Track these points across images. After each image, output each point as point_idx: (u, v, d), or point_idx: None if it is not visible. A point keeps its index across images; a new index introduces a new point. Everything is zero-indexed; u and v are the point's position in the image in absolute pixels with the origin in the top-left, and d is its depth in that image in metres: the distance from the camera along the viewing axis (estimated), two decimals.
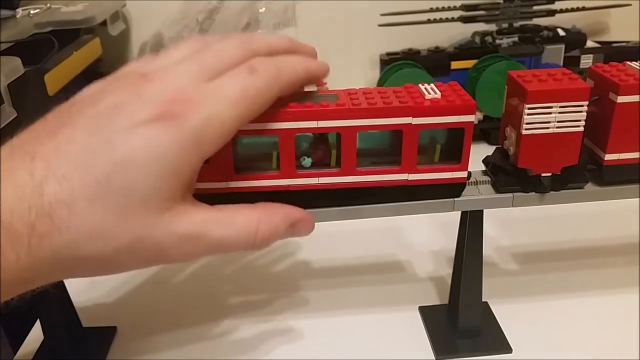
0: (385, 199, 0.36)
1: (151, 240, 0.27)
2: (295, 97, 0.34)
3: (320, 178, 0.35)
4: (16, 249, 0.24)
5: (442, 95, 0.34)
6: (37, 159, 0.25)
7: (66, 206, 0.24)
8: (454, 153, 0.35)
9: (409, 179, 0.35)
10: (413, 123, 0.33)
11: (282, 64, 0.32)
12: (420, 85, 0.35)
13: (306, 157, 0.35)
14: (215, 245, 0.29)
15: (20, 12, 0.70)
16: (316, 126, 0.33)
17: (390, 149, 0.36)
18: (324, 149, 0.35)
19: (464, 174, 0.36)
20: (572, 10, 0.79)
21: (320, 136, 0.36)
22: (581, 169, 0.37)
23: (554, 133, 0.35)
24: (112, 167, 0.25)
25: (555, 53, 0.72)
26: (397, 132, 0.34)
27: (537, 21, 0.76)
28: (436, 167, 0.35)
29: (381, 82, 0.68)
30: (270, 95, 0.30)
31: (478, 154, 0.40)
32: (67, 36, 0.68)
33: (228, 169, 0.34)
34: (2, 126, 0.49)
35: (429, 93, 0.34)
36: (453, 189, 0.36)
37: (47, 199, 0.24)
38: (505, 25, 0.75)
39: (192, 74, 0.29)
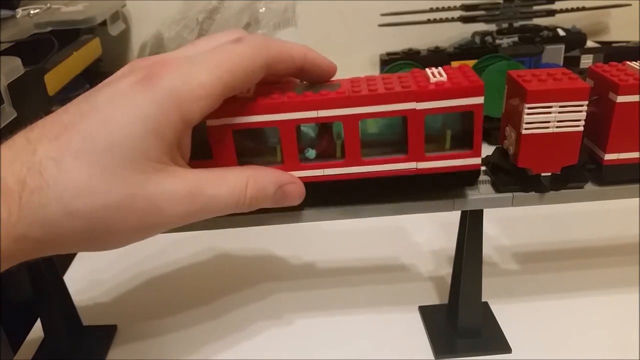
0: (394, 190, 0.35)
1: (143, 198, 0.27)
2: (296, 88, 0.33)
3: (324, 170, 0.34)
4: (8, 205, 0.25)
5: (448, 77, 0.33)
6: (34, 128, 0.27)
7: (55, 163, 0.25)
8: (467, 139, 0.34)
9: (418, 167, 0.34)
10: (417, 108, 0.32)
11: (274, 39, 0.32)
12: (427, 69, 0.34)
13: (310, 149, 0.34)
14: (207, 204, 0.29)
15: (20, 12, 0.70)
16: (316, 116, 0.33)
17: (401, 138, 0.35)
18: (327, 140, 0.34)
19: (478, 161, 0.34)
20: (572, 10, 0.79)
21: (324, 126, 0.35)
22: (581, 168, 0.37)
23: (553, 133, 0.35)
24: (97, 126, 0.26)
25: (555, 53, 0.72)
26: (404, 120, 0.33)
27: (537, 21, 0.76)
28: (446, 154, 0.34)
29: None
30: (256, 63, 0.30)
31: None
32: (67, 36, 0.68)
33: (231, 163, 0.34)
34: (2, 126, 0.49)
35: (435, 76, 0.33)
36: (467, 177, 0.35)
37: (39, 157, 0.25)
38: (505, 25, 0.75)
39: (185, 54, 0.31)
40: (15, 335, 0.46)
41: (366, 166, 0.34)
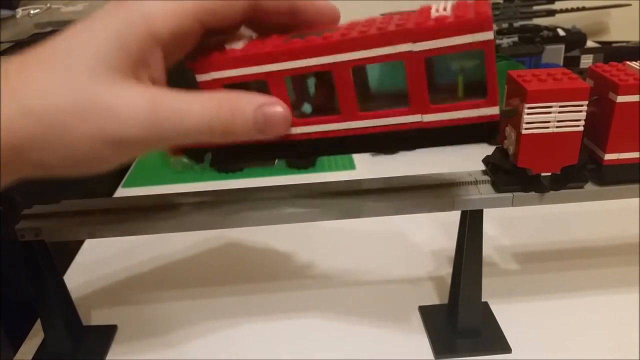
0: (399, 146, 0.32)
1: (99, 103, 0.26)
2: (288, 37, 0.30)
3: (320, 125, 0.31)
4: None
5: (453, 12, 0.28)
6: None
7: (20, 68, 0.27)
8: (480, 85, 0.29)
9: (424, 120, 0.30)
10: (414, 50, 0.28)
11: None
12: (433, 4, 0.30)
13: (306, 103, 0.31)
14: (172, 117, 0.27)
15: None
16: (303, 65, 0.29)
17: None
18: (324, 93, 0.31)
19: (495, 110, 0.29)
20: (572, 10, 0.79)
21: (320, 77, 0.31)
22: (581, 168, 0.37)
23: (553, 133, 0.35)
24: (63, 39, 0.27)
25: (555, 53, 0.72)
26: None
27: (537, 21, 0.76)
28: (454, 104, 0.29)
29: None
30: None
31: (478, 154, 0.40)
32: None
33: None
34: None
35: (438, 11, 0.28)
36: (482, 131, 0.29)
37: (6, 66, 0.27)
38: (505, 25, 0.75)
39: None
40: (15, 335, 0.46)
41: (363, 121, 0.30)
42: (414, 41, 0.28)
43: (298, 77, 0.31)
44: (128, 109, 0.27)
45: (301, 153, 0.32)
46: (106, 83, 0.27)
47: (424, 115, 0.29)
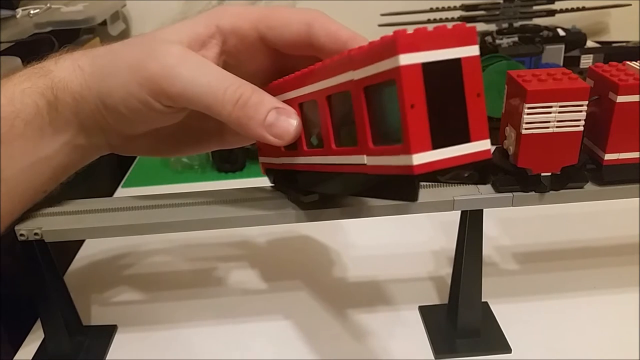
0: (345, 189, 0.30)
1: (152, 49, 0.31)
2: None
3: (313, 157, 0.31)
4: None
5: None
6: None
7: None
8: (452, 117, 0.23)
9: (367, 163, 0.26)
10: (355, 79, 0.25)
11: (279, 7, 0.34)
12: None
13: (313, 135, 0.31)
14: (191, 78, 0.30)
15: (20, 12, 0.70)
16: (291, 97, 0.31)
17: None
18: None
19: (407, 160, 0.22)
20: (572, 10, 0.79)
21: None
22: (581, 168, 0.37)
23: (553, 133, 0.35)
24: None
25: (555, 53, 0.72)
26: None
27: (537, 21, 0.76)
28: (378, 148, 0.25)
29: None
30: (225, 20, 0.34)
31: None
32: (67, 36, 0.68)
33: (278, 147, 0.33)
34: None
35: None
36: (396, 185, 0.25)
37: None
38: (505, 25, 0.75)
39: None
40: (15, 335, 0.46)
41: (334, 156, 0.29)
42: (354, 68, 0.25)
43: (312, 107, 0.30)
44: (167, 52, 0.31)
45: (306, 184, 0.33)
46: (168, 43, 0.31)
47: (367, 157, 0.26)
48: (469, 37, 0.23)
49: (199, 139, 0.39)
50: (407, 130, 0.22)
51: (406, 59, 0.22)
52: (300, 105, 0.31)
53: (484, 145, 0.23)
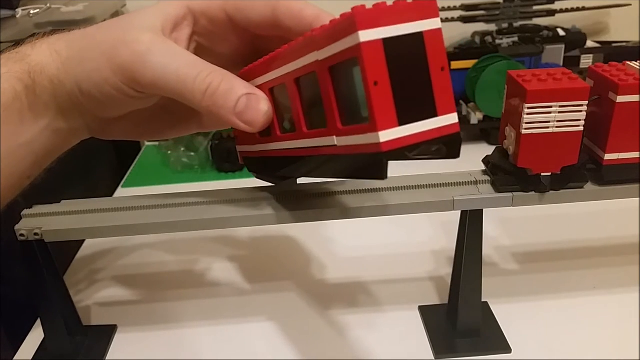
0: (319, 172, 0.29)
1: (123, 36, 0.31)
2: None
3: (286, 142, 0.30)
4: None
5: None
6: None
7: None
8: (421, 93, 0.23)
9: (337, 144, 0.25)
10: (320, 59, 0.24)
11: None
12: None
13: (286, 120, 0.30)
14: (161, 66, 0.30)
15: (20, 12, 0.70)
16: (262, 82, 0.30)
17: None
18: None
19: (374, 138, 0.22)
20: (572, 10, 0.79)
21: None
22: (581, 168, 0.37)
23: (553, 133, 0.35)
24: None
25: (555, 53, 0.72)
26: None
27: (537, 21, 0.76)
28: (346, 128, 0.24)
29: None
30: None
31: (478, 153, 0.40)
32: None
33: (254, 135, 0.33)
34: None
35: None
36: (367, 164, 0.24)
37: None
38: (505, 25, 0.75)
39: None
40: (15, 335, 0.46)
41: (306, 140, 0.28)
42: (318, 49, 0.25)
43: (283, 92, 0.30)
44: (138, 40, 0.31)
45: (279, 169, 0.32)
46: (140, 30, 0.31)
47: (337, 138, 0.25)
48: (430, 10, 0.22)
49: (178, 122, 0.39)
50: (372, 107, 0.22)
51: (366, 35, 0.21)
52: (271, 91, 0.31)
53: (451, 119, 0.23)
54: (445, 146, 0.24)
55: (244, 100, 0.30)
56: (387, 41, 0.22)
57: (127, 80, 0.31)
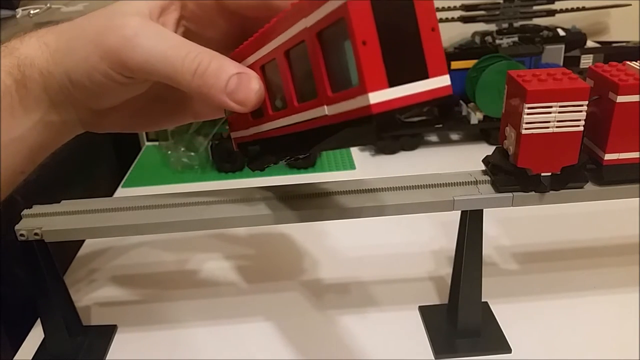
0: (312, 146, 0.28)
1: (112, 23, 0.31)
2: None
3: (279, 120, 0.29)
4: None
5: None
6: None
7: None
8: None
9: (328, 113, 0.25)
10: (308, 26, 0.24)
11: None
12: None
13: (278, 98, 0.30)
14: (149, 49, 0.30)
15: (20, 12, 0.70)
16: (253, 61, 0.30)
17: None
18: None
19: (364, 100, 0.22)
20: (572, 10, 0.79)
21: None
22: (581, 168, 0.37)
23: (553, 133, 0.35)
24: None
25: (555, 53, 0.72)
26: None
27: (537, 21, 0.76)
28: (340, 93, 0.24)
29: None
30: None
31: (478, 153, 0.40)
32: None
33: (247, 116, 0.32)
34: None
35: None
36: (361, 128, 0.23)
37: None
38: (505, 25, 0.75)
39: None
40: (15, 335, 0.46)
41: (276, 121, 0.29)
42: (306, 15, 0.24)
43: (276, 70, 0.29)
44: (125, 25, 0.30)
45: (273, 151, 0.31)
46: (127, 15, 0.31)
47: (327, 107, 0.25)
48: None
49: (172, 112, 0.39)
50: (360, 68, 0.21)
51: None
52: (262, 69, 0.30)
53: (443, 81, 0.23)
54: (437, 109, 0.23)
55: (234, 80, 0.29)
56: (375, 0, 0.21)
57: (115, 65, 0.31)
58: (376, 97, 0.21)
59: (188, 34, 0.34)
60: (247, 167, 0.35)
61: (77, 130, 0.37)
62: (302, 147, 0.29)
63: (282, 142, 0.31)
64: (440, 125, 0.67)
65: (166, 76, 0.30)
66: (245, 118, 0.33)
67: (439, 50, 0.22)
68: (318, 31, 0.24)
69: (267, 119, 0.31)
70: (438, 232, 0.54)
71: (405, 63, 0.22)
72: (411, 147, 0.72)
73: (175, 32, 0.33)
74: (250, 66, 0.31)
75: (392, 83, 0.22)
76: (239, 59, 0.31)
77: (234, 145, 0.38)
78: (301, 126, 0.27)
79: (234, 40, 0.34)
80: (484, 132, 0.72)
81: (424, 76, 0.22)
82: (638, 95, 0.34)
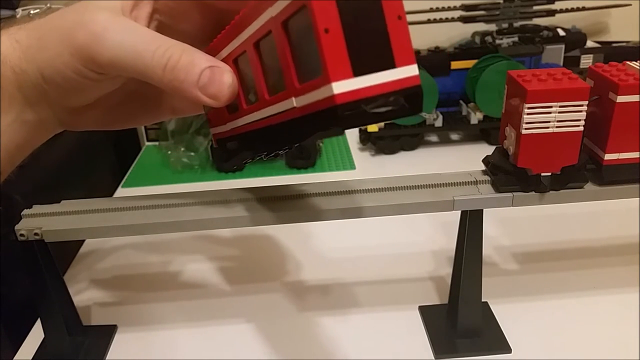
0: (281, 141, 0.28)
1: (82, 19, 0.30)
2: None
3: (252, 115, 0.29)
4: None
5: None
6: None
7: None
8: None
9: (296, 105, 0.24)
10: (274, 15, 0.24)
11: None
12: None
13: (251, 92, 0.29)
14: (119, 44, 0.30)
15: (20, 12, 0.70)
16: (226, 55, 0.29)
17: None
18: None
19: (328, 90, 0.21)
20: (572, 10, 0.79)
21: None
22: (581, 168, 0.37)
23: (553, 133, 0.35)
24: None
25: (555, 53, 0.72)
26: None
27: (537, 21, 0.76)
28: (303, 85, 0.23)
29: None
30: None
31: (478, 153, 0.40)
32: None
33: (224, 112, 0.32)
34: None
35: None
36: (323, 119, 0.23)
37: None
38: (505, 25, 0.75)
39: None
40: (15, 335, 0.46)
41: (250, 115, 0.28)
42: (272, 4, 0.24)
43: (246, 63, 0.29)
44: (94, 20, 0.30)
45: (247, 147, 0.31)
46: (97, 10, 0.30)
47: (295, 99, 0.24)
48: None
49: (148, 108, 0.38)
50: (323, 57, 0.21)
51: None
52: (235, 62, 0.30)
53: (411, 71, 0.22)
54: (405, 100, 0.22)
55: (206, 73, 0.29)
56: None
57: (86, 62, 0.30)
58: (340, 86, 0.21)
59: (162, 28, 0.33)
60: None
61: (55, 129, 0.36)
62: (275, 142, 0.29)
63: (257, 137, 0.30)
64: (427, 115, 0.67)
65: (137, 71, 0.30)
66: (223, 113, 0.33)
67: (406, 39, 0.22)
68: (283, 20, 0.23)
69: (241, 113, 0.30)
70: (438, 232, 0.54)
71: (370, 52, 0.21)
72: (411, 147, 0.72)
73: (149, 26, 0.32)
74: (224, 59, 0.30)
75: (357, 72, 0.21)
76: (213, 52, 0.31)
77: (213, 141, 0.37)
78: (272, 120, 0.27)
79: (210, 34, 0.33)
80: (484, 132, 0.72)
81: (391, 65, 0.22)
82: (638, 95, 0.34)
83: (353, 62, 0.21)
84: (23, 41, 0.32)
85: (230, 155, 0.35)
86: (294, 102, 0.24)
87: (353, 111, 0.21)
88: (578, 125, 0.35)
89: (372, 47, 0.21)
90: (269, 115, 0.27)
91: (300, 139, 0.26)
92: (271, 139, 0.29)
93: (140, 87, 0.36)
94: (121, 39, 0.29)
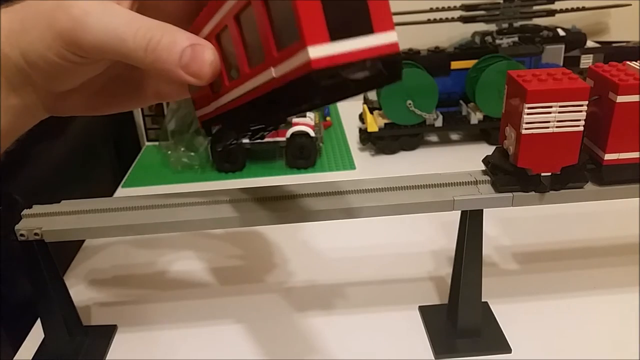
0: (270, 114, 0.27)
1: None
2: None
3: (235, 91, 0.28)
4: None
5: None
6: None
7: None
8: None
9: (275, 75, 0.24)
10: None
11: None
12: None
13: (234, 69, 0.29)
14: (100, 27, 0.29)
15: None
16: (208, 31, 0.29)
17: None
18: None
19: (305, 56, 0.21)
20: (572, 10, 0.79)
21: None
22: (581, 168, 0.37)
23: (553, 133, 0.35)
24: None
25: (555, 53, 0.72)
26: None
27: (537, 21, 0.76)
28: (281, 53, 0.23)
29: None
30: None
31: (478, 153, 0.40)
32: None
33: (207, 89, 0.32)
34: None
35: None
36: (301, 87, 0.22)
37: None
38: (505, 25, 0.75)
39: None
40: (15, 335, 0.46)
41: (232, 92, 0.28)
42: None
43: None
44: (75, 4, 0.29)
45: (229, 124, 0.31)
46: None
47: (274, 69, 0.24)
48: None
49: (133, 91, 0.38)
50: (299, 20, 0.20)
51: None
52: (217, 39, 0.29)
53: (389, 37, 0.22)
54: (384, 67, 0.22)
55: (188, 52, 0.29)
56: None
57: (68, 45, 0.30)
58: (316, 51, 0.20)
59: (146, 9, 0.32)
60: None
61: (41, 115, 0.36)
62: (257, 118, 0.28)
63: (240, 114, 0.30)
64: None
65: (119, 54, 0.29)
66: (207, 93, 0.32)
67: (385, 5, 0.21)
68: None
69: (224, 91, 0.30)
70: (438, 232, 0.54)
71: (348, 16, 0.21)
72: (411, 147, 0.72)
73: (132, 7, 0.32)
74: (206, 37, 0.30)
75: (334, 37, 0.21)
76: (196, 30, 0.30)
77: (199, 123, 0.37)
78: (253, 93, 0.26)
79: (194, 13, 0.33)
80: (484, 132, 0.72)
81: (369, 31, 0.21)
82: (638, 95, 0.34)
83: (330, 26, 0.21)
84: (4, 25, 0.32)
85: (216, 138, 0.35)
86: (273, 72, 0.24)
87: (331, 79, 0.21)
88: (578, 125, 0.35)
89: (349, 12, 0.21)
90: (250, 90, 0.27)
91: (283, 112, 0.26)
92: (253, 115, 0.28)
93: (124, 71, 0.35)
94: (102, 21, 0.29)
